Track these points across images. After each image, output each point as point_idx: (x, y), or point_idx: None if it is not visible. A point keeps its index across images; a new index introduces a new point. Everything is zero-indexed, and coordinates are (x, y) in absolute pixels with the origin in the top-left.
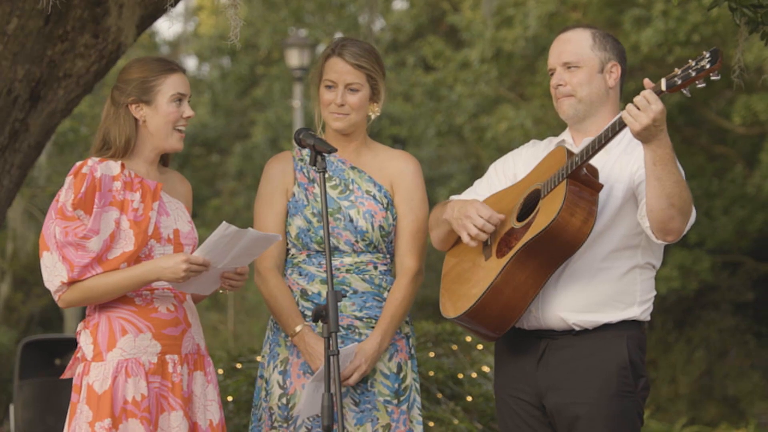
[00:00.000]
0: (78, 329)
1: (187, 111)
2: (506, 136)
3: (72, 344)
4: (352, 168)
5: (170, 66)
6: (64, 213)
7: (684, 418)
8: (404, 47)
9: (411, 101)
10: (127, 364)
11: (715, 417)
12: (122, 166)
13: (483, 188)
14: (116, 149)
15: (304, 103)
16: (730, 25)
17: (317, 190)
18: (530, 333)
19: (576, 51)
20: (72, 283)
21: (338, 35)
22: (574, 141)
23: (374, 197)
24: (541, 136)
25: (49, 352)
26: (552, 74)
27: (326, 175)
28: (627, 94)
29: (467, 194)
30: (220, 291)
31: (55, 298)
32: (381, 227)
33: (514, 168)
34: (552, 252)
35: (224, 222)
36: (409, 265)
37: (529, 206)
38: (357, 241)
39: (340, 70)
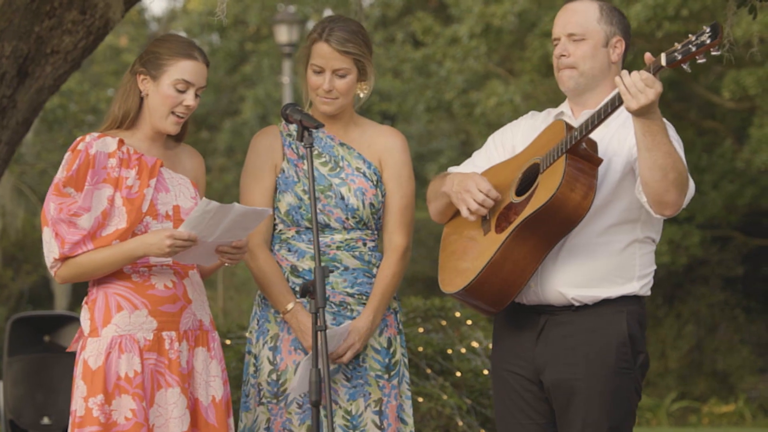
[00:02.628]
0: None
1: (188, 100)
2: (495, 111)
3: (61, 321)
4: (341, 144)
5: (188, 52)
6: (59, 189)
7: (673, 392)
8: (393, 23)
9: (400, 77)
10: (121, 340)
11: (704, 392)
12: (120, 142)
13: (481, 160)
14: (114, 119)
15: (293, 79)
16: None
17: (307, 166)
18: (530, 308)
19: (582, 23)
20: (64, 259)
21: (327, 12)
22: (573, 113)
23: (364, 174)
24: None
25: (38, 329)
26: (556, 44)
27: (316, 152)
28: (623, 66)
29: (465, 166)
30: (226, 264)
31: (52, 273)
32: (371, 204)
33: (512, 140)
34: (551, 227)
35: (204, 198)
36: (398, 242)
37: (527, 180)
38: (347, 219)
39: (326, 56)
